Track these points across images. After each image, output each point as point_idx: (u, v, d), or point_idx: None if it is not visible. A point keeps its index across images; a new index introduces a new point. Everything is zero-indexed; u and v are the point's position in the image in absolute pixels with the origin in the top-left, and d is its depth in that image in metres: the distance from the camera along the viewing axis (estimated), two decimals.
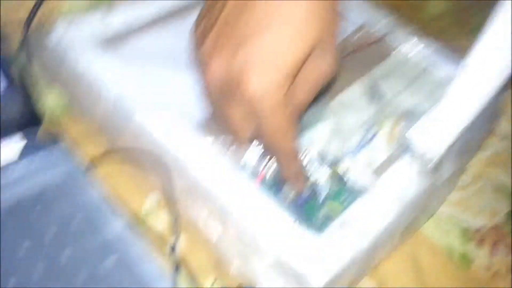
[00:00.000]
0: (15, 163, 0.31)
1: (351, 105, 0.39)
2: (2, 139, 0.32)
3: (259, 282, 0.29)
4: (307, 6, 0.25)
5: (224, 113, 0.28)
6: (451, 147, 0.31)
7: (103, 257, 0.28)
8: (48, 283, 0.26)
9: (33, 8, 0.36)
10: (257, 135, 0.29)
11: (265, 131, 0.28)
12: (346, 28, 0.45)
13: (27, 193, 0.30)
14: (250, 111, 0.27)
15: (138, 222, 0.32)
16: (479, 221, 0.37)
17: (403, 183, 0.32)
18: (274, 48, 0.25)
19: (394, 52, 0.44)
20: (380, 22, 0.46)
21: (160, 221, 0.33)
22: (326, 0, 0.26)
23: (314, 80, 0.27)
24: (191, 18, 0.34)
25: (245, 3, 0.26)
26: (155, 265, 0.28)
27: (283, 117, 0.27)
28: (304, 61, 0.26)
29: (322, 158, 0.33)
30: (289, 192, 0.32)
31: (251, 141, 0.31)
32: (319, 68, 0.27)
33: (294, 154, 0.30)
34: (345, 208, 0.31)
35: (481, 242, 0.36)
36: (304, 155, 0.33)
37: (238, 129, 0.29)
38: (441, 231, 0.36)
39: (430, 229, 0.36)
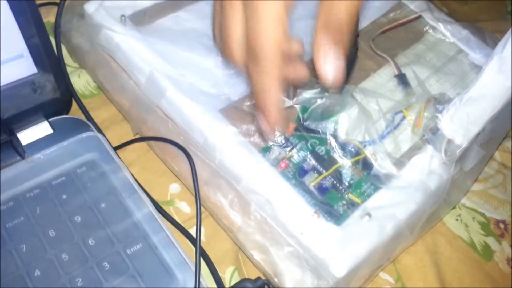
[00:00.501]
0: (44, 148, 0.32)
1: (378, 89, 0.38)
2: (32, 125, 0.33)
3: (278, 272, 0.30)
4: None
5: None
6: (477, 136, 0.30)
7: (130, 240, 0.29)
8: (75, 265, 0.28)
9: None
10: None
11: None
12: (381, 6, 0.44)
13: (53, 183, 0.31)
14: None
15: (161, 209, 0.33)
16: (501, 213, 0.37)
17: (427, 173, 0.32)
18: None
19: (427, 33, 0.43)
20: (415, 1, 0.44)
21: (182, 209, 0.33)
22: None
23: None
24: None
25: None
26: (179, 252, 0.29)
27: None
28: None
29: (346, 145, 0.33)
30: (311, 180, 0.32)
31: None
32: None
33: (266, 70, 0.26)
34: (367, 197, 0.32)
35: (502, 235, 0.36)
36: (328, 142, 0.33)
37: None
38: (461, 222, 0.36)
39: (450, 220, 0.36)
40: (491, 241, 0.36)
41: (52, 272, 0.27)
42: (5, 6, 0.28)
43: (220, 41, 0.27)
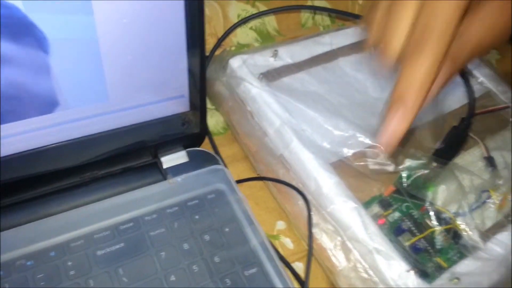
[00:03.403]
0: (181, 173, 0.38)
1: (468, 166, 0.42)
2: (173, 153, 0.39)
3: None
4: None
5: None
6: None
7: (247, 264, 0.34)
8: (203, 276, 0.33)
9: (215, 45, 0.43)
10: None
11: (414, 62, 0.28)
12: (474, 92, 0.49)
13: (189, 203, 0.37)
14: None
15: (270, 240, 0.38)
16: None
17: (509, 250, 0.36)
18: None
19: None
20: (506, 92, 0.49)
21: (286, 245, 0.38)
22: None
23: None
24: (339, 63, 0.41)
25: None
26: (286, 281, 0.34)
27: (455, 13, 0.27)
28: None
29: (441, 212, 0.37)
30: (406, 240, 0.36)
31: None
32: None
33: (408, 112, 0.28)
34: (453, 263, 0.35)
35: None
36: (423, 207, 0.38)
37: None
38: None
39: None
40: None
41: (184, 280, 0.33)
42: (183, 53, 0.35)
43: (379, 41, 0.30)
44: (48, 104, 0.31)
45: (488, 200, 0.41)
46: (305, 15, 0.54)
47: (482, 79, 0.51)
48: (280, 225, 0.39)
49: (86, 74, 0.31)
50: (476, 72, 0.51)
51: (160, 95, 0.35)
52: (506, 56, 0.58)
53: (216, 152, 0.42)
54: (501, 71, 0.56)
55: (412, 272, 0.33)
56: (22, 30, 0.27)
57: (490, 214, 0.40)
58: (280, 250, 0.38)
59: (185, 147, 0.40)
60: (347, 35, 0.48)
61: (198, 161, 0.40)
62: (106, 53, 0.31)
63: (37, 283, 0.30)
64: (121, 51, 0.32)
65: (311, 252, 0.35)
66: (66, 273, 0.31)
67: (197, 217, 0.36)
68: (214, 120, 0.44)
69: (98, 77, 0.32)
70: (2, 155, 0.31)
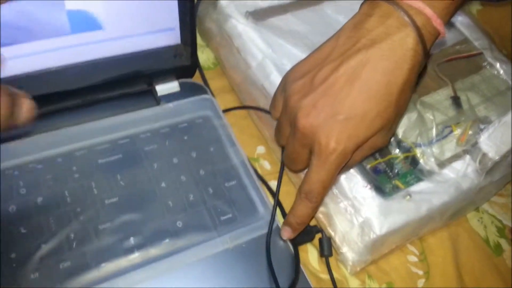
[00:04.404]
0: (173, 100, 0.43)
1: (436, 105, 0.47)
2: (166, 82, 0.43)
3: (332, 224, 0.39)
4: (392, 103, 0.33)
5: (293, 148, 0.36)
6: (506, 155, 0.39)
7: (228, 177, 0.40)
8: (190, 186, 0.38)
9: None
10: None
11: (313, 173, 0.35)
12: (450, 38, 0.53)
13: (179, 126, 0.42)
14: (317, 156, 0.34)
15: (250, 161, 0.43)
16: None
17: (461, 176, 0.41)
18: (357, 125, 0.33)
19: (485, 68, 0.51)
20: (480, 39, 0.52)
21: (265, 167, 0.43)
22: (403, 95, 0.34)
23: (369, 149, 0.36)
24: (324, 7, 0.45)
25: (351, 82, 0.33)
26: (261, 193, 0.39)
27: (334, 172, 0.34)
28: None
29: (402, 141, 0.42)
30: (368, 163, 0.41)
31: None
32: (376, 143, 0.35)
33: (314, 206, 0.36)
34: (410, 186, 0.40)
35: None
36: None
37: (296, 161, 0.37)
38: (481, 223, 0.45)
39: (473, 220, 0.45)
40: (503, 242, 0.44)
41: (174, 186, 0.38)
42: None
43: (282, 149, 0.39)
44: (53, 30, 0.35)
45: (449, 134, 0.45)
46: None
47: (460, 26, 0.54)
48: (260, 149, 0.44)
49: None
50: (454, 19, 0.54)
51: (152, 27, 0.39)
52: (487, 6, 0.61)
53: (206, 84, 0.46)
54: (481, 20, 0.59)
55: (368, 187, 0.38)
56: None
57: (451, 147, 0.44)
58: (259, 170, 0.43)
59: (177, 77, 0.44)
60: None
61: (189, 91, 0.44)
62: None
63: (46, 183, 0.36)
64: None
65: (282, 168, 0.40)
66: (72, 176, 0.36)
67: (185, 137, 0.41)
68: (205, 56, 0.49)
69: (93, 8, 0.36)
70: (13, 74, 0.36)
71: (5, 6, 0.32)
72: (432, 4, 0.33)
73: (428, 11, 0.33)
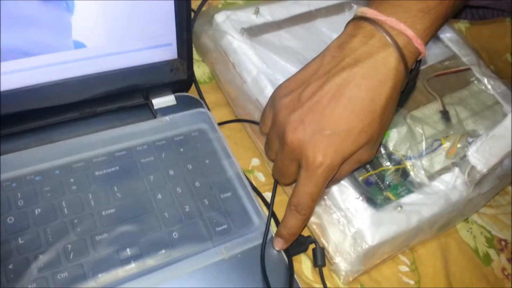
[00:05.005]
0: (170, 114, 0.44)
1: (425, 119, 0.48)
2: (163, 96, 0.44)
3: (326, 234, 0.40)
4: (376, 119, 0.35)
5: (282, 162, 0.37)
6: (494, 167, 0.40)
7: (223, 189, 0.40)
8: (186, 197, 0.39)
9: (202, 0, 0.48)
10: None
11: (301, 186, 0.36)
12: (439, 54, 0.54)
13: (175, 138, 0.43)
14: (305, 170, 0.35)
15: (245, 173, 0.43)
16: (504, 234, 0.46)
17: (450, 188, 0.42)
18: (343, 140, 0.34)
19: (473, 84, 0.53)
20: (468, 56, 0.54)
21: (259, 178, 0.44)
22: (385, 111, 0.35)
23: (355, 163, 0.37)
24: (316, 23, 0.47)
25: (336, 99, 0.34)
26: (256, 205, 0.40)
27: (321, 185, 0.35)
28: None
29: (393, 154, 0.43)
30: (360, 175, 0.42)
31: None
32: (362, 157, 0.36)
33: (304, 218, 0.37)
34: (400, 197, 0.41)
35: (501, 250, 0.45)
36: (380, 150, 0.43)
37: (285, 174, 0.38)
38: (471, 233, 0.46)
39: (463, 230, 0.46)
40: (492, 252, 0.45)
41: (170, 198, 0.39)
42: (171, 6, 0.40)
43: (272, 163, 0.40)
44: (54, 46, 0.36)
45: (439, 147, 0.46)
46: None
47: (448, 43, 0.56)
48: (255, 161, 0.45)
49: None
50: (443, 37, 0.56)
51: (151, 43, 0.41)
52: (475, 25, 0.63)
53: (201, 97, 0.47)
54: (469, 38, 0.61)
55: (360, 198, 0.39)
56: None
57: (440, 159, 0.45)
58: (253, 182, 0.44)
59: (173, 91, 0.45)
60: None
61: (185, 104, 0.45)
62: (104, 6, 0.36)
63: (44, 195, 0.36)
64: (117, 4, 0.37)
65: (276, 182, 0.41)
66: (69, 188, 0.37)
67: (181, 149, 0.42)
68: (201, 71, 0.50)
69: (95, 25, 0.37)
70: (12, 88, 0.36)
71: (10, 28, 0.33)
72: (413, 25, 0.35)
73: (409, 32, 0.35)
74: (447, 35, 0.56)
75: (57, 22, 0.36)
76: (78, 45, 0.38)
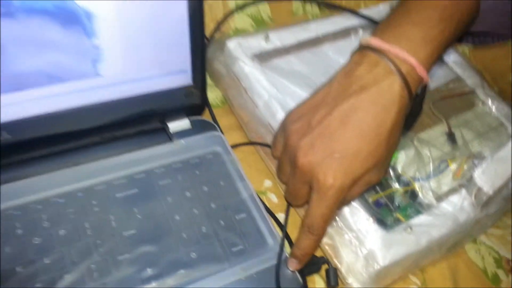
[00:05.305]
0: (185, 137, 0.46)
1: (432, 141, 0.49)
2: (178, 120, 0.46)
3: (338, 255, 0.41)
4: (382, 143, 0.36)
5: (294, 185, 0.39)
6: (500, 189, 0.41)
7: (238, 210, 0.42)
8: (202, 219, 0.40)
9: (214, 29, 0.50)
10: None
11: (314, 208, 0.37)
12: (443, 77, 0.56)
13: (191, 161, 0.44)
14: (316, 192, 0.36)
15: (258, 195, 0.45)
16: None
17: (458, 210, 0.43)
18: (352, 163, 0.36)
19: (477, 105, 0.54)
20: (472, 78, 0.56)
21: (272, 199, 0.46)
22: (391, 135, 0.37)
23: (364, 185, 0.38)
24: (324, 48, 0.49)
25: (344, 124, 0.36)
26: (270, 226, 0.41)
27: (333, 206, 0.37)
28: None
29: (401, 176, 0.45)
30: (370, 196, 0.44)
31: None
32: (371, 179, 0.38)
33: (317, 238, 0.38)
34: (410, 219, 0.43)
35: (511, 270, 0.46)
36: (389, 172, 0.45)
37: (297, 197, 0.39)
38: (479, 254, 0.47)
39: (471, 251, 0.47)
40: (500, 272, 0.46)
41: (187, 219, 0.40)
42: (186, 35, 0.42)
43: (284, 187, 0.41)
44: (75, 73, 0.38)
45: (446, 169, 0.48)
46: (295, 4, 0.61)
47: (452, 65, 0.57)
48: (267, 183, 0.47)
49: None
50: (447, 59, 0.58)
51: (167, 70, 0.42)
52: (479, 48, 0.65)
53: (215, 121, 0.49)
54: (473, 60, 0.63)
55: (371, 220, 0.41)
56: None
57: (447, 181, 0.47)
58: (266, 203, 0.45)
59: (188, 115, 0.47)
60: (332, 24, 0.54)
61: (199, 128, 0.47)
62: (125, 35, 0.38)
63: (68, 216, 0.37)
64: (134, 33, 0.39)
65: (288, 206, 0.42)
66: (92, 210, 0.38)
67: (197, 172, 0.43)
68: (213, 95, 0.52)
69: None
70: (35, 114, 0.38)
71: (36, 53, 0.35)
72: (415, 53, 0.37)
73: (412, 60, 0.37)
74: (451, 57, 0.58)
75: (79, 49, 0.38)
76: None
